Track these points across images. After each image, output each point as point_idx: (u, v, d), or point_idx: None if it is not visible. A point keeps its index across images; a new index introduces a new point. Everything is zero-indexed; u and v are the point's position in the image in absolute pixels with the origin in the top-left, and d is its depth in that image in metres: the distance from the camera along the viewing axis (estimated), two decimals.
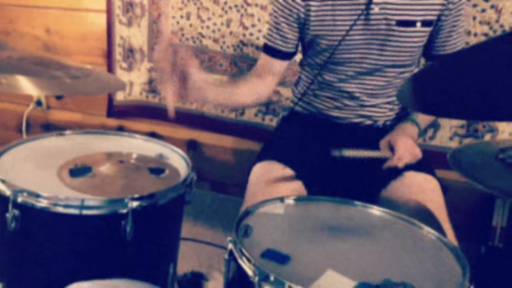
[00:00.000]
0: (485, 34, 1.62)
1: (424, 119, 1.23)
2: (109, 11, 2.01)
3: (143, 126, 2.13)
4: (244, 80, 1.28)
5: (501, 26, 1.59)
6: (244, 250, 0.74)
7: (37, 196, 0.92)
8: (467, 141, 1.73)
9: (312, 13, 1.18)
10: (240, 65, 1.92)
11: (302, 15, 1.20)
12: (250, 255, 0.73)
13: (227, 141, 2.05)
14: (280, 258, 0.75)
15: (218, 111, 2.01)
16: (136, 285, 0.73)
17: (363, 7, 1.14)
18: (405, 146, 1.09)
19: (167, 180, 1.06)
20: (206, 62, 1.96)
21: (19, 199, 0.91)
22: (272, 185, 1.09)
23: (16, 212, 0.92)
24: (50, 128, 2.29)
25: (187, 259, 1.83)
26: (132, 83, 2.09)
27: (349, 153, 1.09)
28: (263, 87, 1.28)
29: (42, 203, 0.92)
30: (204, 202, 2.16)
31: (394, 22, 1.13)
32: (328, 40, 1.19)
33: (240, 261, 0.74)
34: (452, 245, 0.83)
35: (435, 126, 1.75)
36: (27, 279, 1.00)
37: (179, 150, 1.23)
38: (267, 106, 1.94)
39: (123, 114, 2.14)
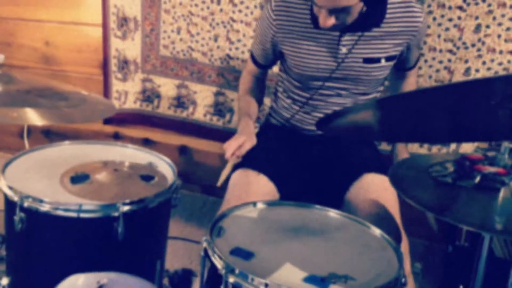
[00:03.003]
0: (449, 51, 1.76)
1: None
2: (105, 25, 2.15)
3: (137, 132, 2.27)
4: (254, 90, 1.51)
5: (464, 43, 1.74)
6: (216, 249, 0.88)
7: (41, 201, 1.06)
8: (435, 149, 1.87)
9: (286, 47, 1.34)
10: (227, 76, 2.06)
11: (278, 44, 1.36)
12: (221, 252, 0.87)
13: (215, 147, 2.19)
14: (245, 254, 0.89)
15: (207, 119, 2.16)
16: (128, 278, 0.87)
17: (332, 46, 1.28)
18: None
19: (156, 186, 1.20)
20: (196, 74, 2.10)
21: (25, 204, 1.05)
22: (246, 191, 1.23)
23: (23, 215, 1.06)
24: (50, 134, 2.42)
25: (179, 257, 1.95)
26: (127, 93, 2.23)
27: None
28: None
29: (45, 207, 1.06)
30: (195, 204, 2.29)
31: (361, 60, 1.28)
32: (301, 71, 1.34)
33: (212, 258, 0.89)
34: (393, 244, 0.97)
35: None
36: (30, 274, 1.15)
37: (167, 159, 1.37)
38: None
39: (119, 121, 2.28)
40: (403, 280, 0.85)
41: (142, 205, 1.11)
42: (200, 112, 2.16)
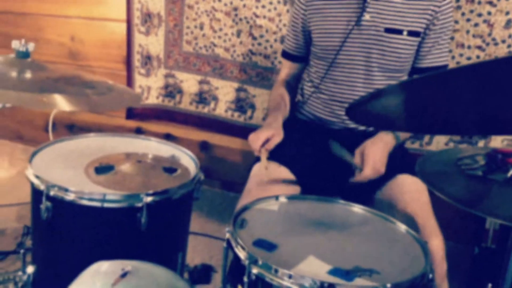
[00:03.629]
0: (478, 47, 1.72)
1: None
2: (129, 21, 2.17)
3: (159, 127, 2.28)
4: (283, 94, 1.49)
5: (493, 39, 1.69)
6: (239, 239, 0.88)
7: (66, 190, 1.07)
8: (463, 146, 1.83)
9: (313, 21, 1.35)
10: (249, 72, 2.06)
11: (307, 24, 1.38)
12: (244, 243, 0.86)
13: (236, 143, 2.19)
14: (268, 246, 0.88)
15: (228, 115, 2.16)
16: (152, 267, 0.87)
17: (356, 14, 1.29)
18: (373, 164, 1.18)
19: (179, 178, 1.20)
20: (218, 69, 2.11)
21: (51, 193, 1.07)
22: (267, 183, 1.22)
23: (48, 204, 1.08)
24: (74, 128, 2.46)
25: (198, 253, 1.96)
26: (150, 88, 2.25)
27: (336, 149, 1.21)
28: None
29: (70, 196, 1.07)
30: (215, 200, 2.30)
31: (382, 29, 1.27)
32: (327, 46, 1.35)
33: (235, 249, 0.88)
34: (420, 239, 0.95)
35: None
36: (55, 262, 1.16)
37: (189, 152, 1.38)
38: None
39: (141, 116, 2.30)
40: (430, 276, 0.83)
41: (165, 196, 1.12)
42: (222, 108, 2.16)
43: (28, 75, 0.79)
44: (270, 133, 1.26)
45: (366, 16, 1.28)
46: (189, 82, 2.18)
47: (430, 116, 0.81)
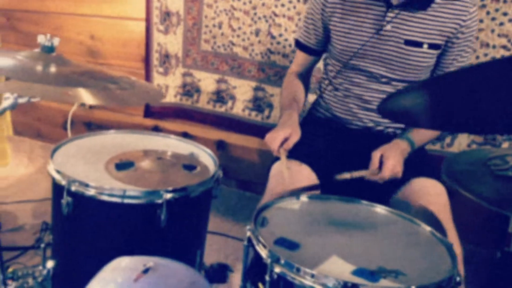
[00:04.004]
0: (503, 47, 1.68)
1: (424, 134, 1.31)
2: (148, 20, 2.18)
3: (176, 126, 2.29)
4: (298, 89, 1.47)
5: None
6: (260, 238, 0.87)
7: (87, 185, 1.07)
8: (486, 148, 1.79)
9: (333, 21, 1.33)
10: (267, 71, 2.05)
11: (326, 20, 1.35)
12: (265, 241, 0.85)
13: (253, 142, 2.18)
14: (290, 245, 0.87)
15: (245, 114, 2.15)
16: (173, 263, 0.87)
17: (376, 22, 1.26)
18: (391, 167, 1.16)
19: (199, 176, 1.20)
20: (236, 68, 2.10)
21: (72, 188, 1.07)
22: (288, 180, 1.20)
23: (69, 199, 1.08)
24: (92, 126, 2.48)
25: (215, 252, 1.95)
26: (168, 87, 2.25)
27: (345, 176, 1.19)
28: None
29: (90, 192, 1.07)
30: (231, 199, 2.29)
31: (402, 41, 1.24)
32: (345, 50, 1.32)
33: (256, 247, 0.87)
34: (445, 241, 0.93)
35: (453, 133, 1.82)
36: (74, 257, 1.17)
37: (208, 150, 1.37)
38: None
39: (159, 115, 2.31)
40: (457, 279, 0.81)
41: (184, 193, 1.11)
42: (239, 107, 2.16)
43: (52, 69, 0.79)
44: (287, 133, 1.23)
45: (387, 26, 1.26)
46: (207, 81, 2.18)
47: (457, 113, 0.79)
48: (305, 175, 1.23)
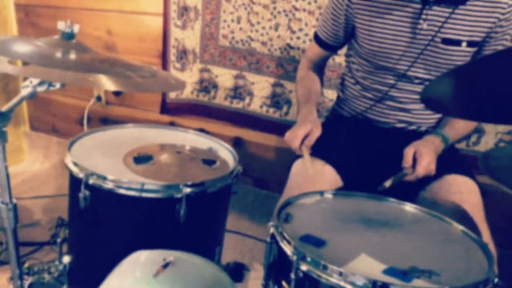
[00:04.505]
0: None
1: (458, 130, 1.25)
2: (165, 15, 2.16)
3: (193, 122, 2.26)
4: (314, 80, 1.42)
5: None
6: (285, 234, 0.83)
7: (104, 178, 1.05)
8: None
9: (359, 20, 1.25)
10: (286, 67, 2.01)
11: (351, 18, 1.27)
12: (290, 238, 0.81)
13: (271, 140, 2.14)
14: (316, 242, 0.83)
15: (263, 111, 2.11)
16: (193, 258, 0.83)
17: (411, 21, 1.18)
18: (426, 164, 1.11)
19: (218, 171, 1.17)
20: (254, 64, 2.06)
21: (90, 181, 1.05)
22: (311, 180, 1.16)
23: (87, 192, 1.06)
24: (108, 122, 2.47)
25: (231, 250, 1.92)
26: (184, 83, 2.22)
27: (386, 184, 1.13)
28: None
29: (108, 185, 1.05)
30: (247, 197, 2.26)
31: (439, 40, 1.18)
32: (376, 52, 1.25)
33: (281, 243, 0.83)
34: (480, 241, 0.88)
35: (479, 131, 1.76)
36: (91, 252, 1.14)
37: (227, 145, 1.34)
38: None
39: (175, 111, 2.28)
40: (495, 280, 0.76)
41: (203, 188, 1.08)
42: (257, 104, 2.12)
43: (72, 56, 0.77)
44: (308, 128, 1.17)
45: (423, 25, 1.18)
46: (224, 77, 2.15)
47: (490, 101, 0.74)
48: (329, 175, 1.19)
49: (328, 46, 1.39)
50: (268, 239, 0.88)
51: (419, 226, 0.94)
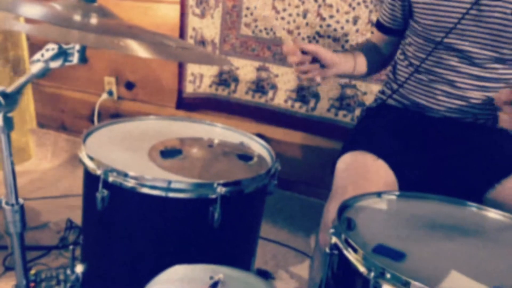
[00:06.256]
0: None
1: None
2: (182, 2, 2.01)
3: (211, 118, 2.11)
4: (370, 50, 1.28)
5: None
6: (354, 244, 0.67)
7: (125, 175, 0.89)
8: None
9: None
10: None
11: None
12: (361, 249, 0.66)
13: (295, 137, 1.99)
14: (394, 254, 0.67)
15: (288, 105, 1.96)
16: (247, 276, 0.67)
17: None
18: None
19: (257, 168, 1.01)
20: (278, 55, 1.91)
21: (110, 179, 0.89)
22: (364, 177, 1.01)
23: (106, 192, 0.90)
24: (120, 118, 2.33)
25: None
26: (202, 76, 2.08)
27: None
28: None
29: (129, 183, 0.89)
30: (269, 199, 2.10)
31: (509, 11, 1.02)
32: (434, 26, 1.10)
33: (348, 255, 0.68)
34: None
35: None
36: (109, 261, 0.99)
37: (261, 140, 1.19)
38: (341, 101, 1.85)
39: (192, 106, 2.13)
40: None
41: (240, 187, 0.92)
42: (281, 98, 1.96)
43: (94, 20, 0.62)
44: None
45: None
46: (246, 69, 1.99)
47: None
48: (383, 172, 1.03)
49: (388, 30, 1.26)
50: (327, 250, 0.73)
51: (507, 234, 0.78)
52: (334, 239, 0.71)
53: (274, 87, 1.97)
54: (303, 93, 1.92)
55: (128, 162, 0.94)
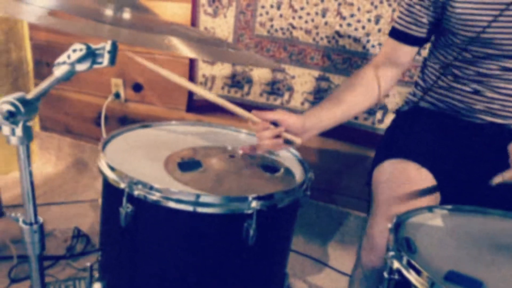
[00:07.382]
0: None
1: None
2: (194, 1, 1.93)
3: (222, 122, 2.02)
4: (352, 86, 1.13)
5: None
6: (423, 270, 0.59)
7: (151, 188, 0.81)
8: None
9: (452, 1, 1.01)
10: (334, 58, 1.77)
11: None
12: (433, 278, 0.58)
13: (312, 142, 1.91)
14: (470, 283, 0.59)
15: (305, 108, 1.88)
16: None
17: None
18: None
19: (285, 180, 0.93)
20: (295, 55, 1.83)
21: (135, 192, 0.81)
22: (409, 189, 0.93)
23: (130, 207, 0.82)
24: (127, 121, 2.24)
25: None
26: (214, 78, 1.99)
27: (497, 180, 0.87)
28: (384, 81, 1.13)
29: (154, 196, 0.81)
30: None
31: None
32: (466, 31, 1.00)
33: (416, 283, 0.59)
34: None
35: None
36: (132, 281, 0.90)
37: (290, 147, 1.10)
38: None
39: (203, 109, 2.05)
40: None
41: (273, 201, 0.84)
42: (297, 100, 1.88)
43: (126, 15, 0.53)
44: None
45: None
46: (261, 71, 1.91)
47: None
48: (428, 182, 0.95)
49: (411, 38, 1.10)
50: (386, 275, 0.65)
51: None
52: (396, 264, 0.63)
53: (290, 89, 1.89)
54: (321, 95, 1.85)
55: (146, 173, 0.86)
